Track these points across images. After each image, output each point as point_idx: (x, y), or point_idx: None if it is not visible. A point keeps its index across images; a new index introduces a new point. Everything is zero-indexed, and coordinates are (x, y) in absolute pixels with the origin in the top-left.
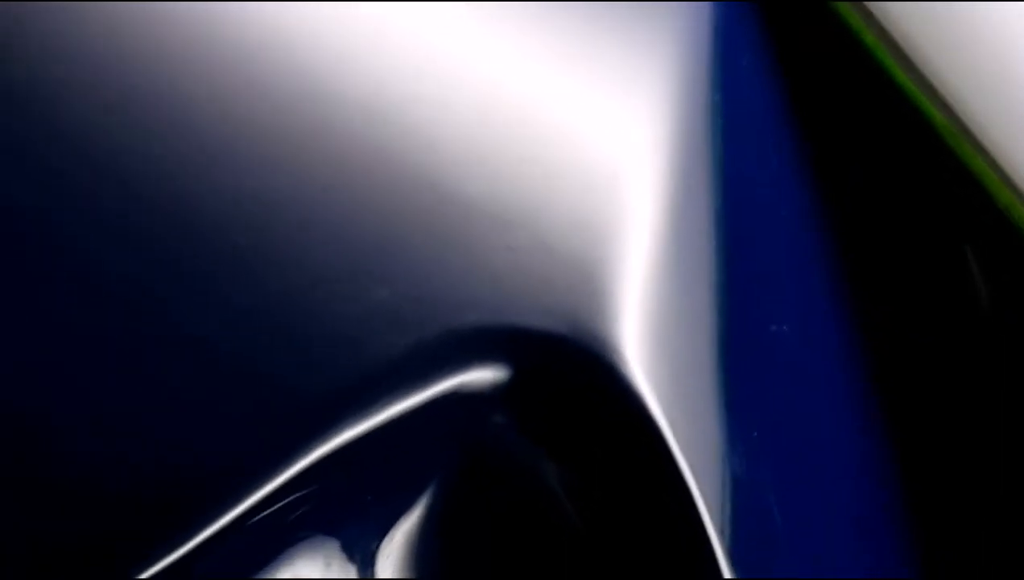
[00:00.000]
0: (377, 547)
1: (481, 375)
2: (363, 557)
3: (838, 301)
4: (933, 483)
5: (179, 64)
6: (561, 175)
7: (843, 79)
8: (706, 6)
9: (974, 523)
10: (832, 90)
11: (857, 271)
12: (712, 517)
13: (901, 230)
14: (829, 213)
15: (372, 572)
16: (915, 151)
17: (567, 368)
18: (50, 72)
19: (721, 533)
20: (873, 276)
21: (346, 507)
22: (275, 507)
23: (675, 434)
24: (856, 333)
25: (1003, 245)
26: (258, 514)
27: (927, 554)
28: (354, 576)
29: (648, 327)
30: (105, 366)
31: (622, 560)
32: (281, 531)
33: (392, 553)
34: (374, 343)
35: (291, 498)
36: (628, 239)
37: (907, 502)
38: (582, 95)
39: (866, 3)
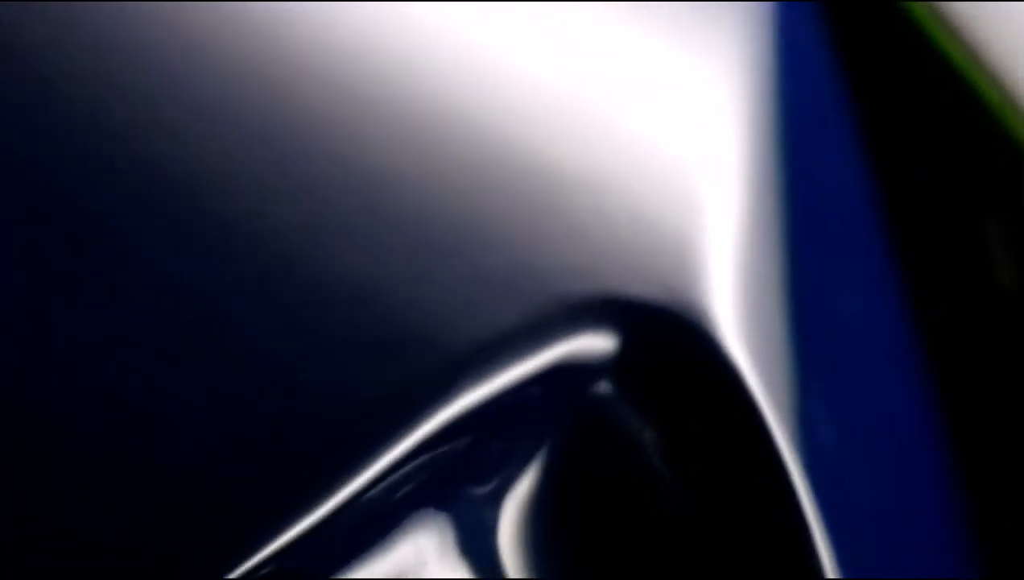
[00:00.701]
0: (492, 518)
1: (584, 344)
2: (477, 529)
3: (902, 284)
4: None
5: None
6: (651, 150)
7: (913, 77)
8: (774, 5)
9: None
10: (897, 80)
11: (919, 263)
12: (803, 489)
13: (964, 228)
14: (893, 206)
15: (490, 541)
16: (984, 150)
17: (666, 337)
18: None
19: (816, 518)
20: (934, 268)
21: (457, 480)
22: (387, 483)
23: (769, 404)
24: (919, 317)
25: None
26: (370, 491)
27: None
28: (468, 548)
29: (740, 297)
30: (224, 353)
31: (720, 539)
32: (394, 506)
33: (506, 525)
34: (474, 315)
35: (401, 473)
36: (716, 211)
37: (976, 495)
38: (668, 82)
39: (938, 3)
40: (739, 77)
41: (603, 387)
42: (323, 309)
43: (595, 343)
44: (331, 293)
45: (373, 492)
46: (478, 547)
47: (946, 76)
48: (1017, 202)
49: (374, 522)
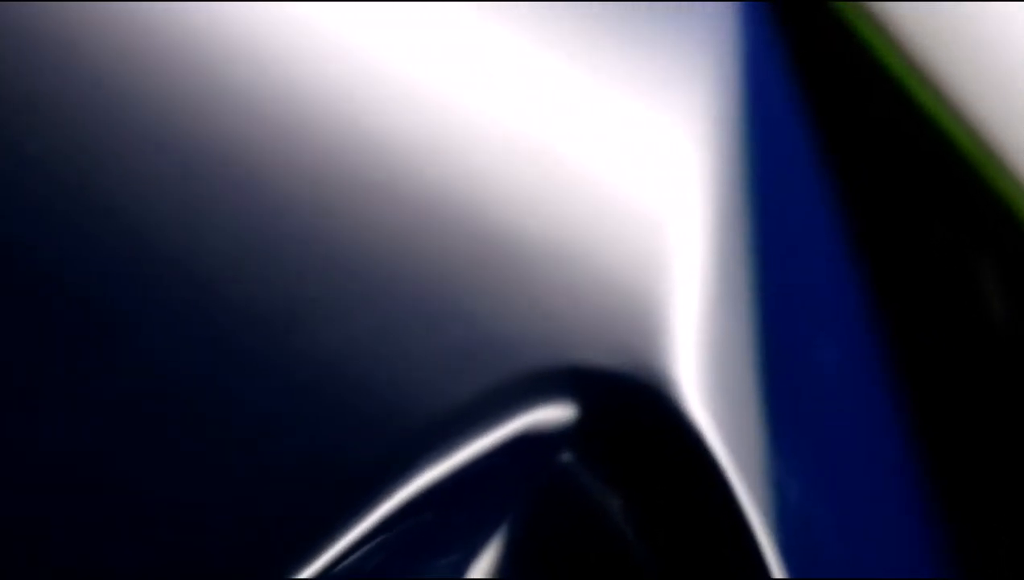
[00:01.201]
0: None
1: (546, 415)
2: None
3: (875, 322)
4: (974, 503)
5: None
6: (612, 211)
7: (876, 105)
8: (739, 37)
9: (1006, 529)
10: (866, 117)
11: (890, 290)
12: (772, 553)
13: (930, 248)
14: (864, 237)
15: None
16: (941, 171)
17: (629, 405)
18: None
19: (782, 571)
20: (905, 293)
21: (421, 553)
22: (353, 557)
23: (735, 468)
24: (893, 352)
25: None
26: (337, 566)
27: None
28: None
29: (704, 361)
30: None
31: None
32: None
33: None
34: (439, 388)
35: (366, 548)
36: (679, 273)
37: (956, 533)
38: (626, 131)
39: (898, 29)
40: (703, 139)
41: (567, 456)
42: (288, 387)
43: (558, 413)
44: (295, 371)
45: (340, 568)
46: None
47: (905, 99)
48: (972, 216)
49: None
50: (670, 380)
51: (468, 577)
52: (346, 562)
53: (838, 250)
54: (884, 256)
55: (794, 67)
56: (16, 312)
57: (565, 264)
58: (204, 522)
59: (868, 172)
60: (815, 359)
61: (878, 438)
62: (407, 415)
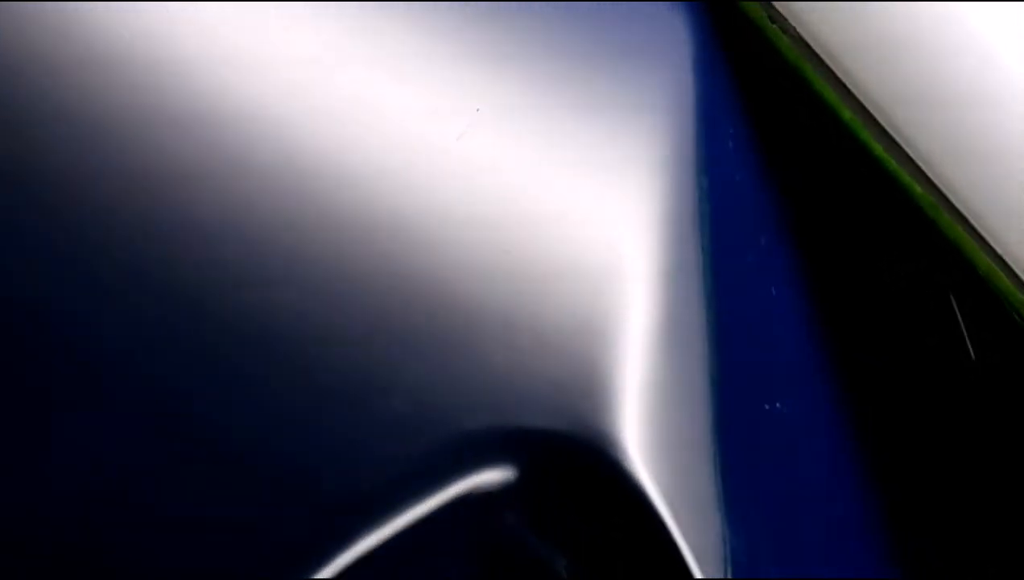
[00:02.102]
0: None
1: (491, 476)
2: None
3: (830, 371)
4: (938, 552)
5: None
6: (558, 274)
7: (826, 154)
8: (690, 91)
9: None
10: (816, 165)
11: (846, 338)
12: None
13: (889, 297)
14: (818, 286)
15: None
16: (897, 222)
17: (573, 465)
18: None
19: None
20: (861, 340)
21: None
22: None
23: (678, 524)
24: (847, 399)
25: (986, 307)
26: None
27: None
28: None
29: (648, 420)
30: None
31: None
32: None
33: None
34: (385, 451)
35: None
36: (625, 334)
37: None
38: (573, 196)
39: (846, 81)
40: (650, 201)
41: (512, 516)
42: (227, 455)
43: (502, 474)
44: (233, 438)
45: None
46: None
47: (858, 151)
48: (930, 263)
49: None
50: (613, 440)
51: None
52: None
53: (788, 304)
54: (836, 305)
55: (761, 140)
56: (31, 322)
57: (510, 327)
58: None
59: (834, 231)
60: (763, 414)
61: (828, 493)
62: (352, 478)
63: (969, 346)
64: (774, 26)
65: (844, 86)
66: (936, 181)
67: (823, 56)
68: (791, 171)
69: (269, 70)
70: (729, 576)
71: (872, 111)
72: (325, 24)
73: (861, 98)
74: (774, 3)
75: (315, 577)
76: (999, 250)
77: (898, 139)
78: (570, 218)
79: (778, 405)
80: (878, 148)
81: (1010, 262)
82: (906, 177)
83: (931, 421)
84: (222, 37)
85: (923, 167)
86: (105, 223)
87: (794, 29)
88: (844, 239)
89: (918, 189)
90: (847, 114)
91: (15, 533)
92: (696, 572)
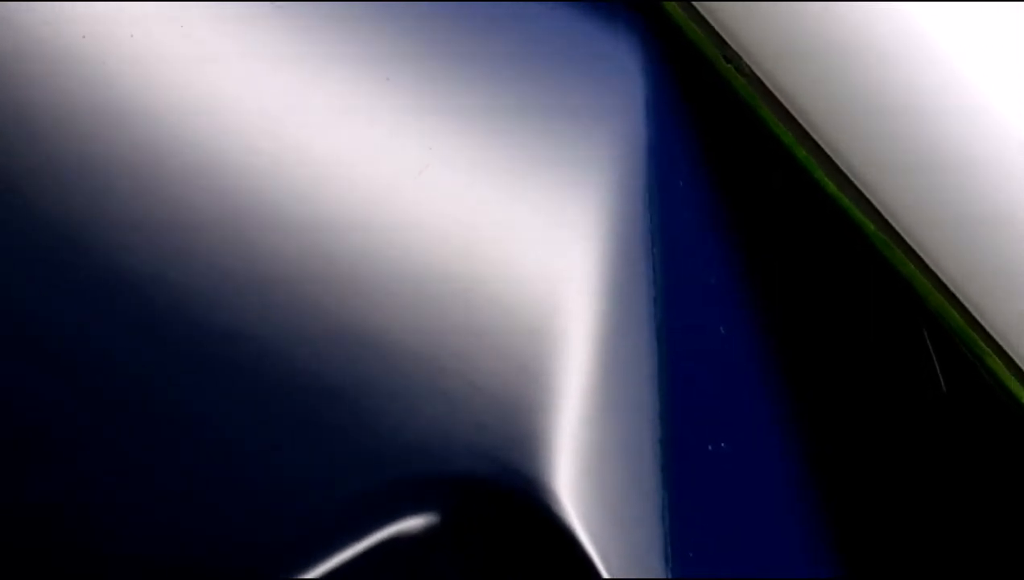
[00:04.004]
0: None
1: (418, 522)
2: None
3: (779, 410)
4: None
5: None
6: (492, 318)
7: (779, 193)
8: (640, 125)
9: None
10: (769, 204)
11: (796, 376)
12: None
13: (841, 334)
14: (769, 325)
15: None
16: (850, 259)
17: (502, 509)
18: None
19: None
20: (814, 373)
21: None
22: None
23: (607, 567)
24: (797, 438)
25: (937, 340)
26: None
27: None
28: None
29: (582, 466)
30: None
31: None
32: None
33: None
34: (310, 496)
35: None
36: (561, 377)
37: None
38: (510, 238)
39: (800, 120)
40: (596, 219)
41: (440, 561)
42: (165, 494)
43: (427, 520)
44: (159, 482)
45: None
46: None
47: (808, 187)
48: (881, 298)
49: None
50: (543, 484)
51: None
52: None
53: (738, 343)
54: (787, 344)
55: (710, 178)
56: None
57: (442, 372)
58: None
59: (776, 260)
60: (706, 455)
61: (773, 534)
62: (277, 523)
63: (940, 377)
64: (729, 65)
65: (799, 125)
66: (889, 218)
67: (777, 95)
68: (744, 210)
69: (228, 114)
70: None
71: (827, 150)
72: (282, 72)
73: (814, 135)
74: (729, 44)
75: None
76: (951, 287)
77: (852, 177)
78: (509, 265)
79: (723, 445)
80: (831, 186)
81: (961, 299)
82: (859, 214)
83: (884, 456)
84: (178, 86)
85: (876, 204)
86: (84, 229)
87: (748, 68)
88: (796, 277)
89: (871, 227)
90: (801, 153)
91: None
92: None
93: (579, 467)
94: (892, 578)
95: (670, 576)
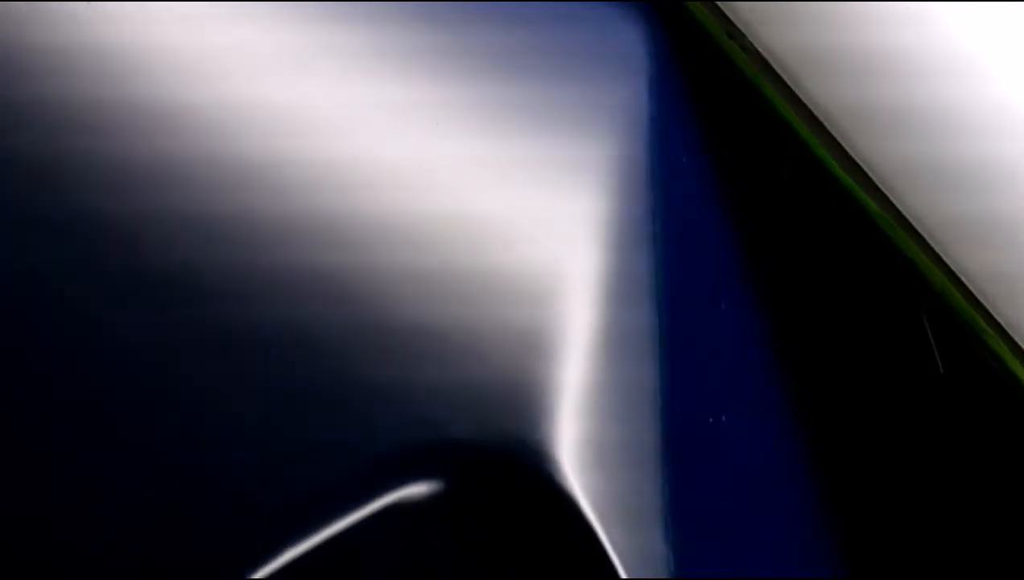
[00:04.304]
0: None
1: (421, 489)
2: None
3: (779, 386)
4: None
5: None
6: (495, 288)
7: (781, 170)
8: (644, 103)
9: None
10: (771, 180)
11: (797, 352)
12: None
13: (842, 312)
14: (770, 301)
15: None
16: (852, 237)
17: (503, 476)
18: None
19: None
20: (811, 349)
21: None
22: None
23: (607, 532)
24: (796, 414)
25: (946, 320)
26: None
27: None
28: None
29: (583, 434)
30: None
31: None
32: None
33: None
34: (315, 461)
35: None
36: (562, 346)
37: None
38: (515, 208)
39: (802, 97)
40: (599, 193)
41: (441, 528)
42: (164, 460)
43: (429, 487)
44: (169, 445)
45: None
46: None
47: (812, 167)
48: (887, 279)
49: None
50: (544, 451)
51: None
52: None
53: (738, 318)
54: (788, 320)
55: (714, 159)
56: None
57: (444, 341)
58: None
59: (777, 236)
60: (706, 427)
61: (770, 508)
62: (283, 486)
63: (938, 359)
64: (732, 41)
65: (801, 102)
66: (892, 198)
67: (780, 72)
68: (746, 186)
69: (233, 80)
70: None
71: (829, 127)
72: (287, 34)
73: (818, 114)
74: (732, 20)
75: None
76: (952, 266)
77: (854, 156)
78: (512, 230)
79: (723, 418)
80: (834, 164)
81: (963, 277)
82: (861, 194)
83: (884, 435)
84: (192, 46)
85: (879, 184)
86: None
87: (751, 44)
88: (797, 254)
89: (874, 205)
90: (804, 130)
91: None
92: (622, 573)
93: (580, 435)
94: (893, 563)
95: (670, 540)
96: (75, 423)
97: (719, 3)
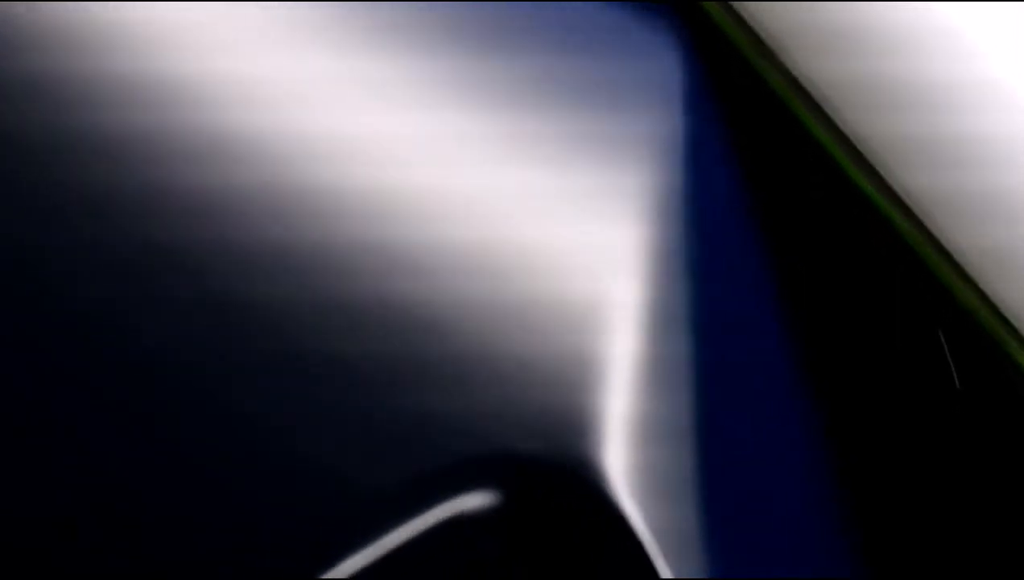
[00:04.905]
0: None
1: (475, 501)
2: None
3: (812, 404)
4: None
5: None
6: (544, 303)
7: (812, 187)
8: (677, 117)
9: None
10: (803, 200)
11: (828, 365)
12: None
13: (866, 325)
14: (806, 323)
15: None
16: (886, 259)
17: (556, 491)
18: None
19: None
20: (844, 366)
21: None
22: None
23: (661, 551)
24: (828, 433)
25: (971, 342)
26: None
27: None
28: None
29: (632, 448)
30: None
31: None
32: None
33: None
34: (371, 476)
35: None
36: (611, 363)
37: None
38: (561, 229)
39: (834, 118)
40: (641, 210)
41: (492, 541)
42: (213, 473)
43: (483, 500)
44: (222, 459)
45: None
46: None
47: (843, 184)
48: (916, 297)
49: None
50: (596, 467)
51: None
52: None
53: (773, 327)
54: (824, 342)
55: (748, 173)
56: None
57: (496, 356)
58: None
59: (814, 259)
60: (745, 446)
61: (808, 521)
62: (337, 503)
63: (955, 375)
64: (764, 61)
65: (832, 123)
66: (926, 222)
67: (812, 93)
68: (781, 209)
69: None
70: None
71: (861, 149)
72: (316, 52)
73: (850, 136)
74: (759, 32)
75: None
76: (985, 289)
77: (883, 172)
78: (559, 250)
79: (763, 434)
80: (867, 185)
81: (994, 301)
82: (894, 213)
83: (912, 445)
84: (216, 60)
85: (908, 202)
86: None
87: (783, 64)
88: (832, 278)
89: (906, 226)
90: (837, 151)
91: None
92: None
93: (629, 451)
94: (918, 555)
95: (712, 558)
96: (121, 427)
97: (753, 26)
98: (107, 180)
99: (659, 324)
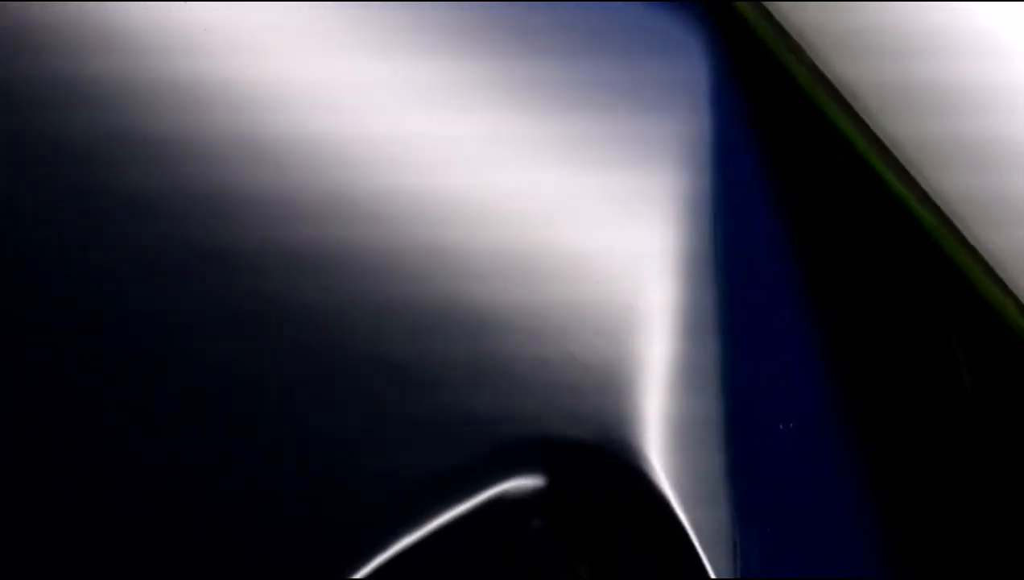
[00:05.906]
0: None
1: (519, 484)
2: None
3: (838, 396)
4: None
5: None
6: (585, 290)
7: (840, 186)
8: (708, 123)
9: None
10: (833, 199)
11: (854, 364)
12: None
13: (895, 326)
14: (833, 319)
15: None
16: (908, 253)
17: (597, 474)
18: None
19: None
20: (869, 366)
21: None
22: None
23: (699, 536)
24: (854, 421)
25: (994, 340)
26: None
27: None
28: None
29: (670, 432)
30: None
31: None
32: None
33: None
34: (418, 459)
35: None
36: (648, 348)
37: None
38: (596, 227)
39: (861, 114)
40: (673, 220)
41: (537, 524)
42: (266, 457)
43: (527, 482)
44: (272, 440)
45: None
46: None
47: (871, 181)
48: (939, 296)
49: None
50: (637, 451)
51: None
52: None
53: (802, 324)
54: (850, 338)
55: (776, 166)
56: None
57: (540, 340)
58: None
59: (840, 255)
60: (776, 434)
61: (840, 508)
62: (384, 483)
63: (966, 375)
64: (791, 56)
65: (863, 123)
66: (955, 222)
67: (843, 93)
68: (808, 204)
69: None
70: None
71: (891, 150)
72: (349, 56)
73: (881, 137)
74: (790, 33)
75: (348, 578)
76: (1014, 289)
77: (910, 169)
78: (596, 253)
79: (791, 425)
80: (892, 179)
81: (1018, 295)
82: (924, 213)
83: (935, 439)
84: (239, 51)
85: (941, 206)
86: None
87: (811, 60)
88: (864, 278)
89: (932, 221)
90: (863, 145)
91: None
92: (712, 574)
93: (667, 435)
94: (939, 549)
95: (748, 541)
96: (166, 424)
97: (784, 27)
98: (152, 183)
99: (693, 325)
